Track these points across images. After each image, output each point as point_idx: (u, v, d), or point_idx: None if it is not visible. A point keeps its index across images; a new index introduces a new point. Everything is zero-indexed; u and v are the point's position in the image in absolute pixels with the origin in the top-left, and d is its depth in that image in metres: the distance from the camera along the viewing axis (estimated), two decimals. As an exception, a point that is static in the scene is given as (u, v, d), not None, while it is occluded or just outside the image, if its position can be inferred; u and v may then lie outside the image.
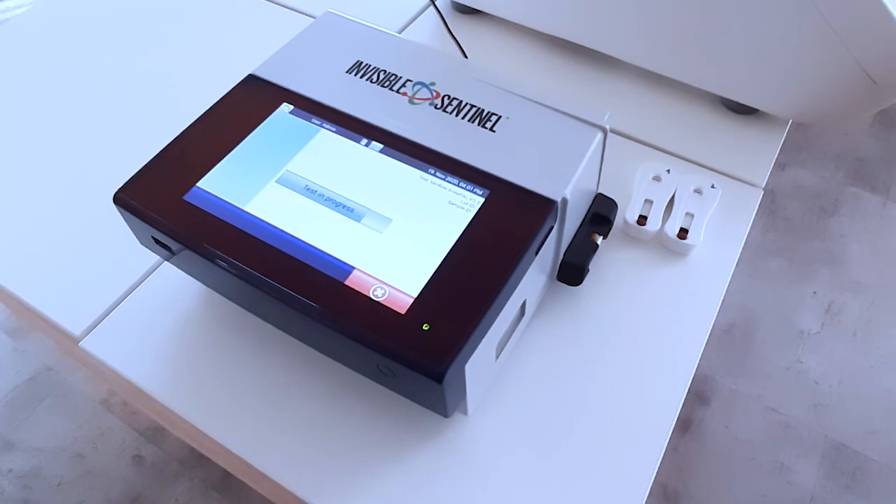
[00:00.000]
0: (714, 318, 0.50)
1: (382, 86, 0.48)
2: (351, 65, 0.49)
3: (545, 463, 0.43)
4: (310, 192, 0.42)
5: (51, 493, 1.11)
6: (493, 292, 0.37)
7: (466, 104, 0.46)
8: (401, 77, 0.48)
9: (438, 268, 0.38)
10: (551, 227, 0.42)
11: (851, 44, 0.51)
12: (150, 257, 0.54)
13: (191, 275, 0.48)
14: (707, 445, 1.17)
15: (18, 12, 0.84)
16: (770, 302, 1.34)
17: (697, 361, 0.48)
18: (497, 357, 0.44)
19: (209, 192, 0.42)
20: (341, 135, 0.45)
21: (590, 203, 0.50)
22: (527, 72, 0.68)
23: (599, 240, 0.49)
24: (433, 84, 0.48)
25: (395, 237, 0.40)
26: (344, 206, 0.41)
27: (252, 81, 0.48)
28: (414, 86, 0.48)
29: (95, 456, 1.15)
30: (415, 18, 0.74)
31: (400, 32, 0.73)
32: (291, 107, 0.47)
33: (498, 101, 0.46)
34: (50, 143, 0.64)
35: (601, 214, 0.50)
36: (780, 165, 1.56)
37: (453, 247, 0.39)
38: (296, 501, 0.43)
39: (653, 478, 0.43)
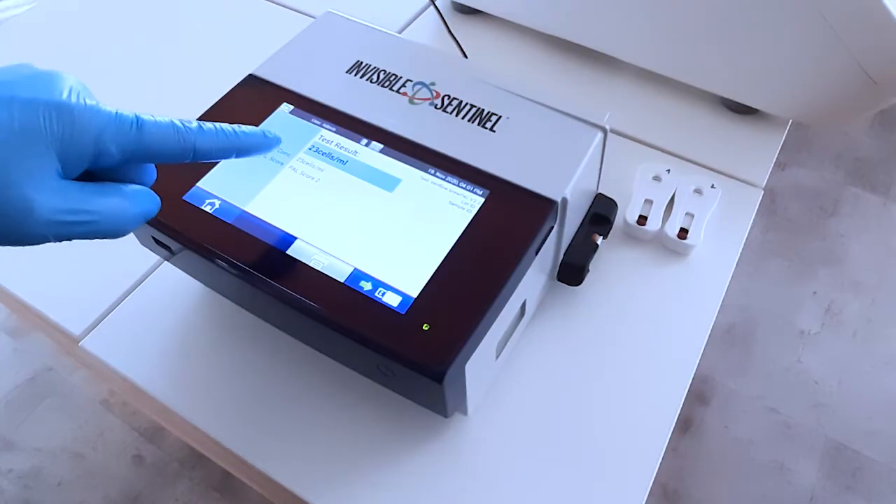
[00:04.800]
0: (714, 318, 0.50)
1: (382, 86, 0.48)
2: (351, 65, 0.49)
3: (545, 463, 0.43)
4: (309, 192, 0.42)
5: (51, 493, 1.11)
6: (494, 292, 0.37)
7: (466, 104, 0.46)
8: (401, 77, 0.48)
9: (439, 268, 0.38)
10: (551, 227, 0.42)
11: (851, 44, 0.51)
12: (150, 257, 0.54)
13: (191, 275, 0.48)
14: (707, 445, 1.17)
15: (18, 11, 0.84)
16: (770, 302, 1.34)
17: (697, 361, 0.48)
18: (497, 357, 0.44)
19: (209, 192, 0.42)
20: (341, 135, 0.45)
21: (590, 203, 0.50)
22: (527, 72, 0.68)
23: (599, 240, 0.49)
24: (433, 84, 0.48)
25: (396, 237, 0.40)
26: (344, 207, 0.41)
27: (252, 81, 0.48)
28: (414, 86, 0.48)
29: (95, 456, 1.15)
30: (415, 18, 0.74)
31: (400, 32, 0.73)
32: (291, 107, 0.47)
33: (498, 101, 0.46)
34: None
35: (601, 214, 0.50)
36: (780, 165, 1.56)
37: (453, 247, 0.39)
38: (295, 501, 0.43)
39: (653, 478, 0.43)
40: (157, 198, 0.31)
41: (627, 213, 0.54)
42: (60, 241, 0.27)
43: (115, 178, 0.30)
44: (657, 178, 0.56)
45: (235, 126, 0.33)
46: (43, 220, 0.26)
